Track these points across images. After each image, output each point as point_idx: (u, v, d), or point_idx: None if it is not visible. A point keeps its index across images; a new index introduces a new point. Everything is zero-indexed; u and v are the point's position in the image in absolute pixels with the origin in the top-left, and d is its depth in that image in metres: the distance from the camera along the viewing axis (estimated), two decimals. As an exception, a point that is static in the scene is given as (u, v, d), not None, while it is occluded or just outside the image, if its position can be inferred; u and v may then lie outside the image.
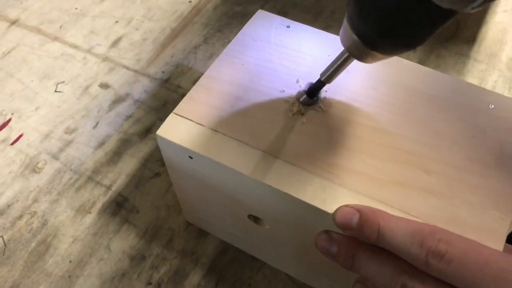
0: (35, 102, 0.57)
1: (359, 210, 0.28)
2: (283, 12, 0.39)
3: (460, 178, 0.31)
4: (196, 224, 0.46)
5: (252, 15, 0.41)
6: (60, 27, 0.65)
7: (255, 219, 0.37)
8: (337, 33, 0.31)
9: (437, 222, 0.29)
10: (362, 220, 0.27)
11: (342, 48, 0.30)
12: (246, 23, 0.40)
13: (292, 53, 0.38)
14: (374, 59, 0.28)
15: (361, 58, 0.29)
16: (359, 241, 0.28)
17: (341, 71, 0.32)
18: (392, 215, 0.27)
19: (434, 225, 0.26)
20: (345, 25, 0.28)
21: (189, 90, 0.35)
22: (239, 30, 0.39)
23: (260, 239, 0.40)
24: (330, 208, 0.29)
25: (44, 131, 0.54)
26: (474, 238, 0.25)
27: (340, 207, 0.29)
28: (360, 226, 0.27)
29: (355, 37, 0.27)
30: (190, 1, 0.68)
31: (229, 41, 0.59)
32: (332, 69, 0.32)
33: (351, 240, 0.29)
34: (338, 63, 0.32)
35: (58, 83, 0.58)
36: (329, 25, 0.62)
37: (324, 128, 0.34)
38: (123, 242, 0.45)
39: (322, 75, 0.33)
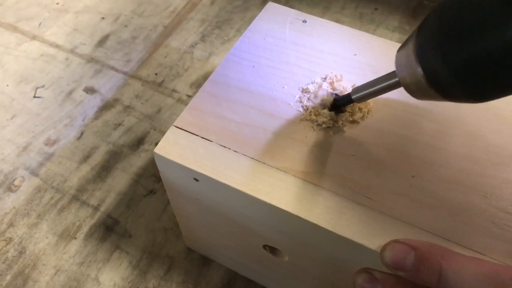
0: (11, 109, 0.53)
1: (414, 247, 0.24)
2: (288, 6, 0.34)
3: (527, 203, 0.26)
4: (199, 250, 0.42)
5: (254, 9, 0.36)
6: (40, 24, 0.62)
7: (272, 249, 0.33)
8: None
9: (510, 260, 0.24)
10: (419, 260, 0.23)
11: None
12: (247, 18, 0.35)
13: (312, 52, 0.35)
14: (429, 99, 0.24)
15: (414, 93, 0.24)
16: (408, 281, 0.24)
17: (380, 95, 0.27)
18: (457, 253, 0.23)
19: (512, 267, 0.22)
20: (408, 50, 0.23)
21: (186, 94, 0.30)
22: (240, 27, 0.34)
23: (276, 271, 0.35)
24: (372, 243, 0.25)
25: (21, 143, 0.50)
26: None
27: (390, 243, 0.24)
28: (416, 267, 0.23)
29: (420, 72, 0.22)
30: (184, -5, 0.64)
31: (229, 39, 0.55)
32: (369, 91, 0.28)
33: (399, 280, 0.25)
34: (380, 86, 0.27)
35: (38, 88, 0.55)
36: (339, 20, 0.58)
37: (356, 142, 0.30)
38: (114, 273, 0.41)
39: (354, 92, 0.29)
